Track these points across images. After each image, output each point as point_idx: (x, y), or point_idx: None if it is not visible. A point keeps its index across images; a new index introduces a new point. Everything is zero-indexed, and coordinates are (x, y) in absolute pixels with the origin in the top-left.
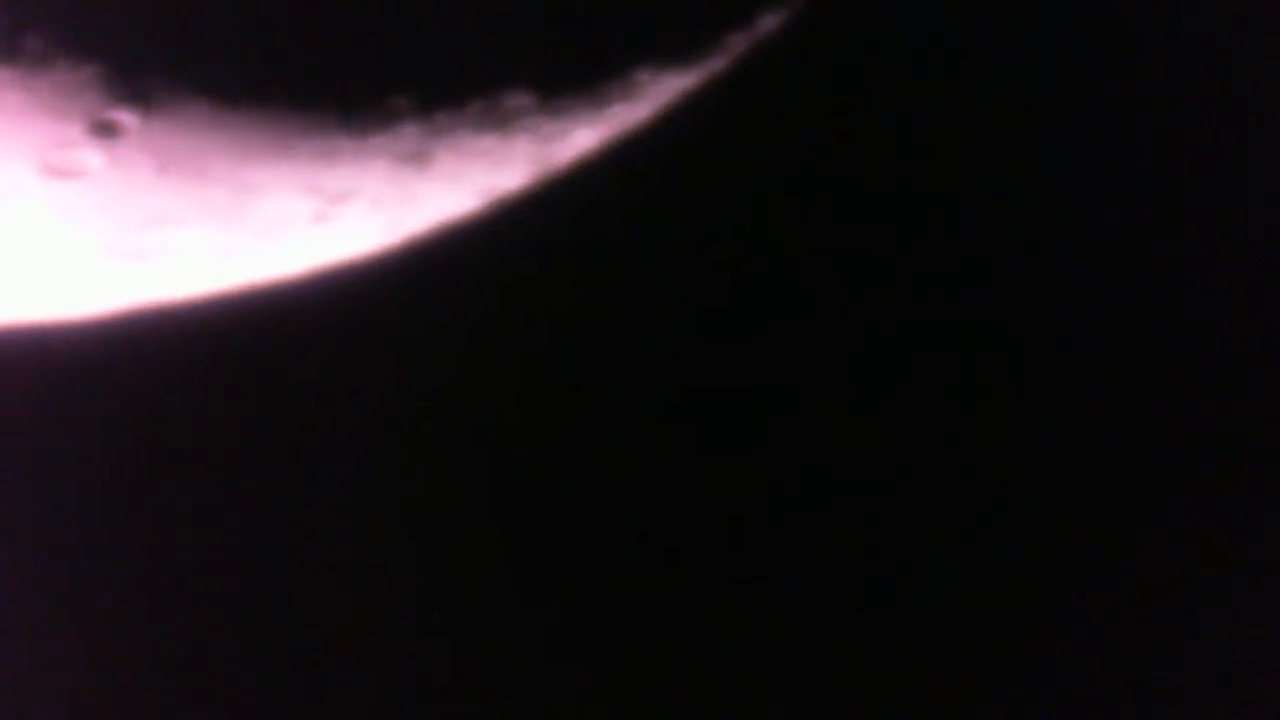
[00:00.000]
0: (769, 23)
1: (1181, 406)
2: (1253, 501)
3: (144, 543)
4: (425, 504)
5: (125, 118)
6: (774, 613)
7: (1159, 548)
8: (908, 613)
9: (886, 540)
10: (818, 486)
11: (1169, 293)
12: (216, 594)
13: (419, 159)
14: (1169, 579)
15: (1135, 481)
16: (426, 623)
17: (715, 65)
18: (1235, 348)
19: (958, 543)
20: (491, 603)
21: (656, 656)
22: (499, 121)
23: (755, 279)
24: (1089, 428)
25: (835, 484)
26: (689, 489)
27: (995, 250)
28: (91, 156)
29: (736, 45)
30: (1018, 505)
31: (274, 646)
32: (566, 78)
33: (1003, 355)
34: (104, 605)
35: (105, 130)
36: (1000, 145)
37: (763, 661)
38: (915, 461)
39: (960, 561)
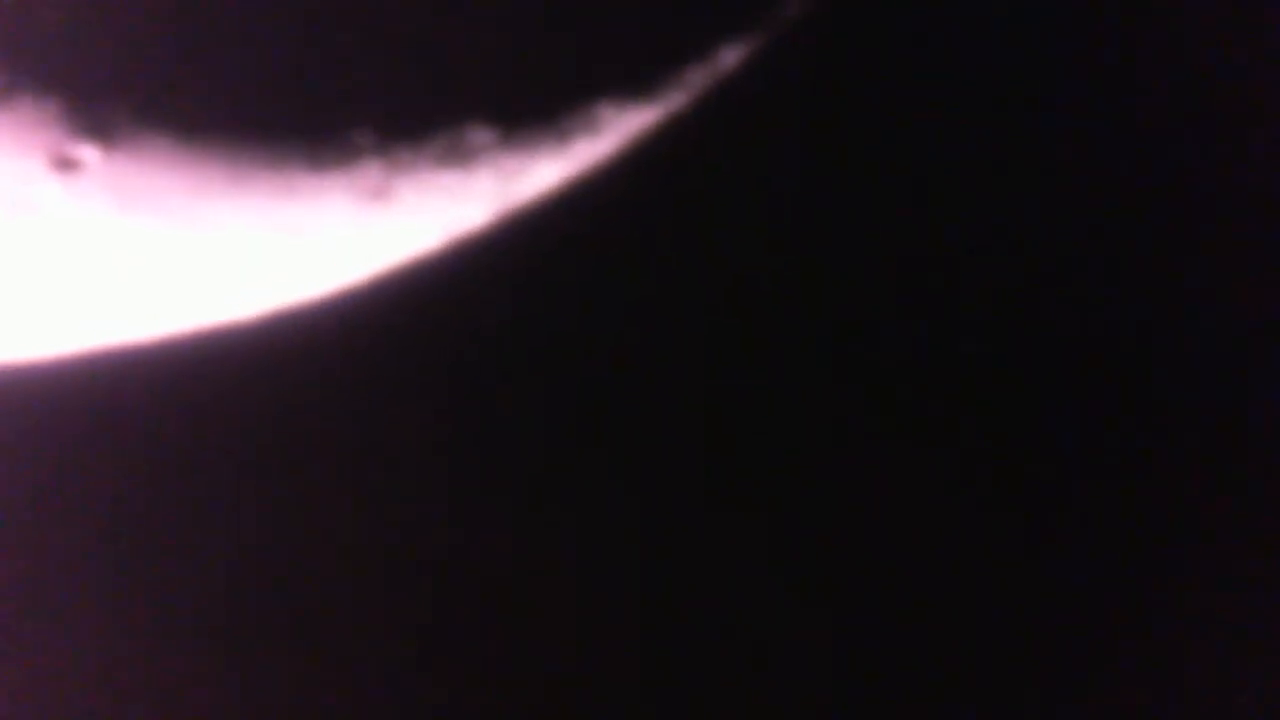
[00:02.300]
0: (730, 57)
1: (1181, 407)
2: (1253, 501)
3: (111, 586)
4: (390, 545)
5: (86, 152)
6: (783, 614)
7: (1160, 548)
8: (912, 614)
9: (891, 540)
10: (817, 508)
11: (1171, 294)
12: (184, 637)
13: (380, 195)
14: (1169, 579)
15: (1134, 481)
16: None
17: (677, 99)
18: (1236, 348)
19: (960, 543)
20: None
21: (674, 666)
22: (461, 157)
23: (722, 314)
24: (1088, 428)
25: (835, 498)
26: (673, 514)
27: (977, 299)
28: (51, 191)
29: (698, 79)
30: (1017, 506)
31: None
32: (528, 112)
33: (1002, 361)
34: (71, 650)
35: (66, 165)
36: (975, 172)
37: (768, 660)
38: (916, 464)
39: (960, 562)
